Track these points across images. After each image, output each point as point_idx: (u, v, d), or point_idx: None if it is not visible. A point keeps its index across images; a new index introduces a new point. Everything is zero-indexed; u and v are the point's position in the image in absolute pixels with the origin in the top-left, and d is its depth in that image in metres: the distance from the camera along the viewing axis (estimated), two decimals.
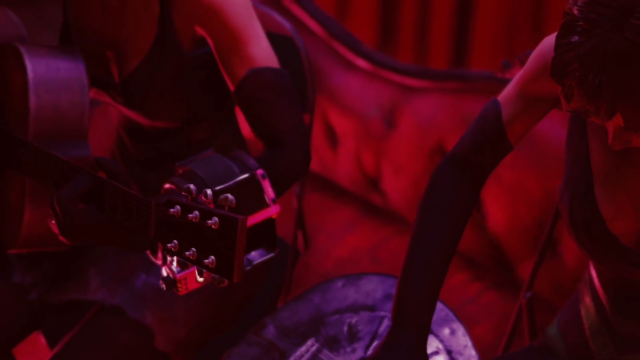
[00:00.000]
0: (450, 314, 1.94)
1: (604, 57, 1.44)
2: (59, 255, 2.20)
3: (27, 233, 1.98)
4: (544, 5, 3.42)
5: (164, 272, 1.68)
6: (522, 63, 2.45)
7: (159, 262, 1.70)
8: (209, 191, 1.56)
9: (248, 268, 1.64)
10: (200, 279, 1.62)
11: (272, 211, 1.70)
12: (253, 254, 1.66)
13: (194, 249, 1.56)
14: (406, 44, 3.71)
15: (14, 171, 2.02)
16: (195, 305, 2.16)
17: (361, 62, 2.98)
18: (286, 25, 2.34)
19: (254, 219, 1.67)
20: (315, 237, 2.95)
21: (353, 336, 1.95)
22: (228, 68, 1.98)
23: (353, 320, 1.98)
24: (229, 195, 1.54)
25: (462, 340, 1.90)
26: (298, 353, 1.95)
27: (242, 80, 1.97)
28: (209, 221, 1.53)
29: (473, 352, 1.88)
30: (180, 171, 1.74)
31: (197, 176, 1.70)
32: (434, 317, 1.94)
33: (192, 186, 1.58)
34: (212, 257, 1.54)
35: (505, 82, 2.07)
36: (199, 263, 1.56)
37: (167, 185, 1.72)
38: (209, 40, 1.99)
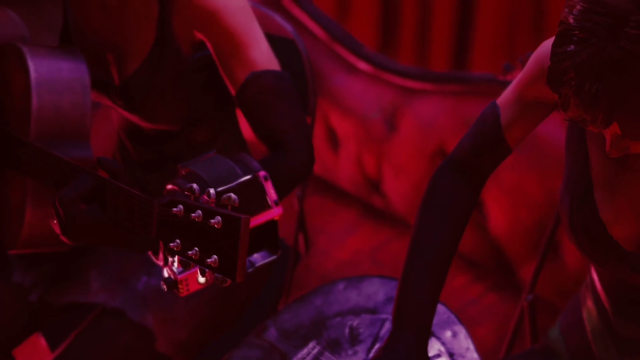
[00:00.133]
0: (452, 317, 1.94)
1: (600, 66, 1.44)
2: (59, 255, 2.20)
3: (28, 233, 1.98)
4: (544, 7, 3.42)
5: (165, 273, 1.68)
6: (524, 65, 2.45)
7: (160, 263, 1.69)
8: (212, 190, 1.56)
9: (250, 270, 1.63)
10: (202, 280, 1.62)
11: (275, 213, 1.69)
12: (255, 256, 1.66)
13: (196, 248, 1.56)
14: (407, 46, 3.71)
15: (15, 171, 2.02)
16: (196, 307, 2.16)
17: (362, 65, 2.98)
18: (287, 27, 2.34)
19: (256, 220, 1.67)
20: (316, 239, 2.95)
21: (354, 339, 1.95)
22: (229, 72, 1.98)
23: (354, 323, 1.98)
24: (232, 195, 1.54)
25: (464, 343, 1.90)
26: (299, 356, 1.95)
27: (243, 84, 1.96)
28: (212, 220, 1.53)
29: (475, 355, 1.88)
30: (183, 172, 1.74)
31: (199, 177, 1.69)
32: (436, 320, 1.94)
33: (194, 185, 1.58)
34: (215, 256, 1.54)
35: (506, 84, 2.07)
36: (201, 263, 1.56)
37: (169, 186, 1.72)
38: (209, 45, 1.99)
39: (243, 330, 2.25)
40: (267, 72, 1.97)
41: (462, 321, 1.95)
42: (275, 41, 2.23)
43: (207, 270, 1.56)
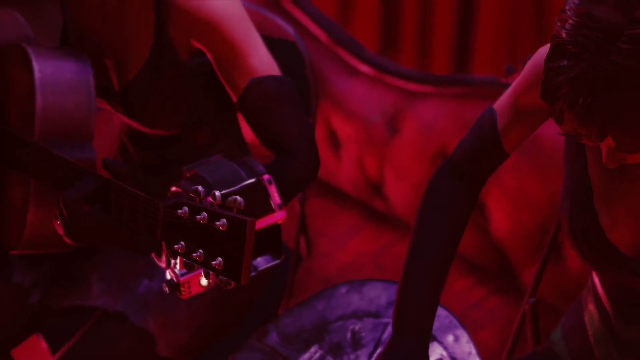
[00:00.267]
0: (454, 321, 1.94)
1: (593, 81, 1.43)
2: (59, 256, 2.20)
3: (31, 234, 1.98)
4: (545, 9, 3.41)
5: (168, 276, 1.68)
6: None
7: (163, 265, 1.69)
8: (217, 193, 1.55)
9: (253, 274, 1.63)
10: (204, 283, 1.62)
11: (278, 217, 1.69)
12: (259, 259, 1.66)
13: (201, 250, 1.56)
14: (408, 49, 3.71)
15: (17, 171, 2.02)
16: (197, 310, 2.16)
17: (364, 67, 2.98)
18: (289, 30, 2.34)
19: (260, 224, 1.66)
20: (317, 242, 2.95)
21: (356, 343, 1.95)
22: (229, 80, 1.98)
23: (357, 327, 1.98)
24: (238, 197, 1.53)
25: (466, 347, 1.90)
26: None
27: (244, 92, 1.96)
28: (217, 223, 1.53)
29: (477, 359, 1.88)
30: (187, 174, 1.74)
31: (203, 180, 1.69)
32: (438, 324, 1.94)
33: (200, 188, 1.57)
34: (220, 258, 1.54)
35: (508, 87, 2.07)
36: (206, 265, 1.56)
37: (173, 189, 1.72)
38: (208, 54, 1.98)
39: (244, 334, 2.25)
40: (267, 78, 1.96)
41: (464, 324, 1.94)
42: (277, 44, 2.23)
43: (211, 272, 1.55)
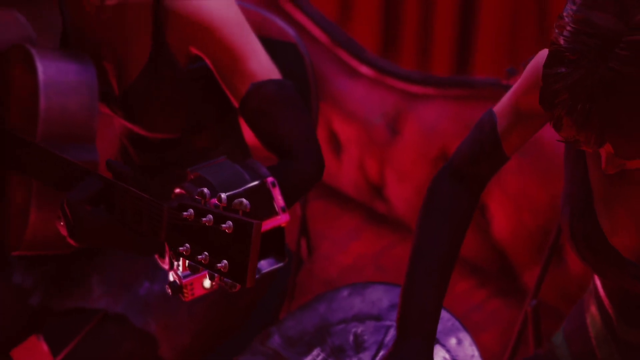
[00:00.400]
0: (457, 324, 1.93)
1: (591, 88, 1.43)
2: (59, 256, 2.20)
3: (32, 235, 1.98)
4: (547, 11, 3.41)
5: (171, 277, 1.68)
6: None
7: (166, 267, 1.69)
8: (223, 195, 1.55)
9: (257, 277, 1.63)
10: (207, 285, 1.61)
11: (282, 220, 1.69)
12: (262, 262, 1.65)
13: (206, 252, 1.56)
14: (408, 50, 3.70)
15: (19, 172, 2.02)
16: (199, 312, 2.16)
17: (365, 69, 2.98)
18: (290, 31, 2.33)
19: (264, 226, 1.66)
20: (319, 244, 2.95)
21: (359, 346, 1.95)
22: (230, 86, 1.97)
23: (359, 330, 1.97)
24: (244, 200, 1.53)
25: (469, 350, 1.89)
26: None
27: (245, 96, 1.95)
28: (223, 225, 1.52)
29: None
30: (192, 176, 1.73)
31: (207, 182, 1.69)
32: (440, 327, 1.93)
33: (205, 190, 1.57)
34: (225, 261, 1.53)
35: (509, 89, 2.07)
36: (211, 267, 1.55)
37: (177, 190, 1.72)
38: (207, 61, 1.98)
39: (246, 336, 2.25)
40: (267, 82, 1.96)
41: (466, 326, 1.94)
42: (278, 45, 2.23)
43: (216, 275, 1.55)
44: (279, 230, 1.68)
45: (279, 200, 1.69)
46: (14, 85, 2.05)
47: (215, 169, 1.72)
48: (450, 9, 3.58)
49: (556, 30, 1.47)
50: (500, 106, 1.81)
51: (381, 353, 1.93)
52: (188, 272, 1.63)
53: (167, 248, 1.65)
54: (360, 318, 1.99)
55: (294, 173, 1.92)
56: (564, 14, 1.47)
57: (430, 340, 1.77)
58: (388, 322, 1.97)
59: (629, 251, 1.69)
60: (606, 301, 1.83)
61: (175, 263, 1.64)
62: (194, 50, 1.98)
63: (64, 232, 1.80)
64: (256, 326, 2.28)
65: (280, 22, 2.36)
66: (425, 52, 3.66)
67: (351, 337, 1.97)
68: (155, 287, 2.14)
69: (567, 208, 1.72)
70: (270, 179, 1.70)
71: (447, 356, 1.90)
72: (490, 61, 3.52)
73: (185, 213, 1.58)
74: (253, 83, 1.95)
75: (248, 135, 2.18)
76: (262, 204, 1.67)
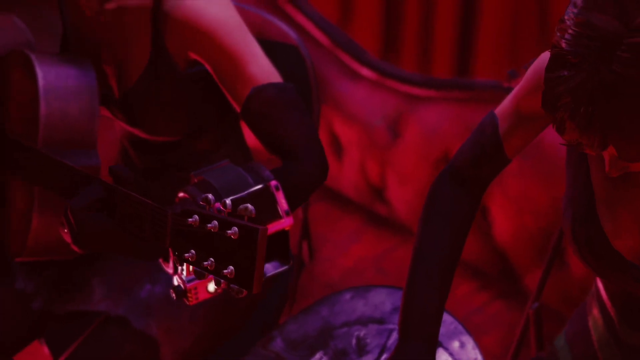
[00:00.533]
0: (460, 327, 1.93)
1: (593, 90, 1.43)
2: (62, 262, 2.20)
3: (35, 241, 1.97)
4: (547, 11, 3.41)
5: (175, 282, 1.67)
6: None
7: (170, 271, 1.69)
8: (228, 201, 1.55)
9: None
10: (211, 289, 1.61)
11: (286, 223, 1.69)
12: (266, 266, 1.65)
13: (212, 259, 1.55)
14: (409, 52, 3.70)
15: (21, 179, 2.01)
16: (200, 315, 2.16)
17: (366, 71, 2.97)
18: (291, 34, 2.33)
19: (268, 230, 1.66)
20: (320, 246, 2.95)
21: (361, 349, 1.95)
22: (230, 90, 1.97)
23: (361, 333, 1.97)
24: (249, 206, 1.53)
25: (472, 353, 1.89)
26: None
27: (246, 101, 1.95)
28: (229, 231, 1.52)
29: None
30: (195, 180, 1.73)
31: (210, 185, 1.69)
32: (443, 330, 1.93)
33: (210, 196, 1.57)
34: (231, 267, 1.53)
35: (510, 91, 2.07)
36: (217, 273, 1.55)
37: (181, 194, 1.72)
38: (207, 66, 1.97)
39: (247, 338, 2.25)
40: (268, 86, 1.95)
41: (468, 329, 1.94)
42: (279, 48, 2.22)
43: (222, 280, 1.55)
44: (283, 234, 1.68)
45: (282, 203, 1.69)
46: (13, 91, 2.04)
47: (218, 172, 1.72)
48: (451, 10, 3.58)
49: (558, 34, 1.47)
50: (502, 108, 1.81)
51: (384, 356, 1.93)
52: (192, 276, 1.63)
53: (171, 253, 1.65)
54: (363, 321, 1.99)
55: (297, 175, 1.92)
56: (565, 17, 1.47)
57: (432, 343, 1.77)
58: (391, 326, 1.97)
59: (632, 254, 1.69)
60: (608, 304, 1.83)
61: (179, 267, 1.64)
62: (193, 56, 1.98)
63: (67, 239, 1.80)
64: (257, 329, 2.28)
65: (281, 25, 2.36)
66: (426, 54, 3.66)
67: (354, 341, 1.96)
68: (156, 289, 2.14)
69: (569, 211, 1.72)
70: (273, 183, 1.70)
71: (450, 359, 1.90)
72: (491, 62, 3.52)
73: (190, 219, 1.57)
74: (254, 87, 1.95)
75: (249, 137, 2.18)
76: (265, 207, 1.67)
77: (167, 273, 2.10)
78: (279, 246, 1.67)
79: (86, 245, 1.78)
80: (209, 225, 1.54)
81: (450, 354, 1.90)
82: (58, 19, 2.12)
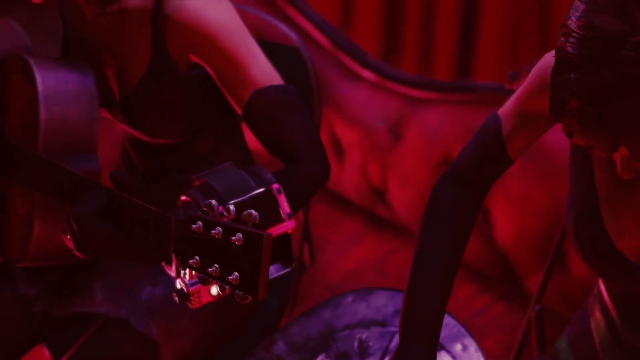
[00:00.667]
0: (462, 330, 1.93)
1: (601, 92, 1.43)
2: (63, 266, 2.20)
3: (36, 247, 1.97)
4: (549, 13, 3.41)
5: (178, 285, 1.67)
6: (529, 74, 2.45)
7: (173, 274, 1.68)
8: (232, 207, 1.55)
9: None
10: (214, 293, 1.61)
11: (288, 226, 1.69)
12: (269, 269, 1.65)
13: (216, 265, 1.55)
14: (410, 53, 3.70)
15: (22, 184, 2.01)
16: (201, 317, 2.16)
17: (367, 74, 2.97)
18: (292, 36, 2.33)
19: None
20: (321, 249, 2.95)
21: (364, 352, 1.94)
22: (232, 93, 1.97)
23: (364, 336, 1.97)
24: (253, 212, 1.52)
25: (474, 356, 1.89)
26: None
27: (248, 103, 1.95)
28: (233, 237, 1.52)
29: None
30: (197, 183, 1.73)
31: (212, 189, 1.69)
32: (446, 333, 1.93)
33: (213, 202, 1.56)
34: (236, 273, 1.53)
35: (512, 93, 2.07)
36: (222, 280, 1.55)
37: (183, 198, 1.71)
38: (208, 68, 1.97)
39: (247, 341, 2.25)
40: (270, 88, 1.95)
41: (471, 333, 1.94)
42: (280, 50, 2.22)
43: (227, 287, 1.55)
44: (285, 237, 1.67)
45: (284, 206, 1.69)
46: (13, 96, 2.04)
47: (220, 175, 1.72)
48: (452, 11, 3.58)
49: (562, 38, 1.47)
50: (505, 109, 1.80)
51: (386, 359, 1.93)
52: (195, 279, 1.63)
53: (174, 257, 1.65)
54: (365, 324, 1.99)
55: (299, 177, 1.91)
56: (568, 21, 1.47)
57: (433, 346, 1.77)
58: (393, 328, 1.97)
59: (635, 255, 1.68)
60: (610, 306, 1.83)
61: (182, 271, 1.64)
62: (194, 58, 1.97)
63: (70, 245, 1.79)
64: (258, 331, 2.28)
65: (282, 27, 2.36)
66: (427, 56, 3.66)
67: (356, 343, 1.96)
68: (157, 291, 2.14)
69: (573, 212, 1.71)
70: (275, 186, 1.70)
71: None
72: (492, 63, 3.52)
73: (194, 226, 1.57)
74: (255, 89, 1.95)
75: (250, 139, 2.18)
76: (268, 211, 1.67)
77: (168, 275, 2.10)
78: (281, 249, 1.67)
79: (89, 252, 1.78)
80: (212, 231, 1.54)
81: (453, 357, 1.90)
82: (57, 22, 2.12)
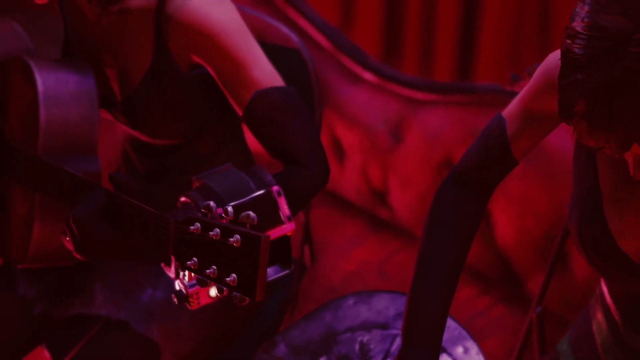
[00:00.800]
0: (464, 332, 1.93)
1: (609, 89, 1.43)
2: (63, 268, 2.20)
3: (36, 249, 1.97)
4: (550, 14, 3.42)
5: (177, 286, 1.67)
6: (531, 75, 2.45)
7: (172, 275, 1.69)
8: (230, 209, 1.55)
9: None
10: (213, 294, 1.61)
11: (287, 229, 1.69)
12: (268, 270, 1.65)
13: (214, 266, 1.55)
14: (411, 55, 3.71)
15: (22, 186, 2.01)
16: (201, 319, 2.16)
17: (368, 75, 2.97)
18: (293, 37, 2.33)
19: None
20: (322, 251, 2.95)
21: (365, 355, 1.94)
22: (233, 94, 1.97)
23: (365, 339, 1.97)
24: (251, 213, 1.53)
25: (476, 359, 1.89)
26: None
27: (249, 104, 1.95)
28: (231, 239, 1.52)
29: None
30: (197, 184, 1.73)
31: (212, 190, 1.69)
32: (447, 335, 1.93)
33: (212, 203, 1.57)
34: (234, 275, 1.53)
35: (513, 95, 2.07)
36: (219, 281, 1.55)
37: (182, 199, 1.72)
38: (209, 69, 1.97)
39: (248, 343, 2.25)
40: (271, 89, 1.95)
41: (473, 336, 1.94)
42: (281, 51, 2.22)
43: (225, 288, 1.55)
44: (284, 239, 1.68)
45: (284, 209, 1.69)
46: (13, 97, 2.04)
47: (220, 176, 1.72)
48: (452, 13, 3.58)
49: (567, 40, 1.47)
50: (509, 110, 1.80)
51: None
52: (194, 280, 1.63)
53: (173, 258, 1.65)
54: (367, 327, 1.98)
55: (299, 179, 1.92)
56: (572, 23, 1.47)
57: (436, 349, 1.77)
58: (394, 331, 1.97)
59: (639, 255, 1.68)
60: (612, 307, 1.83)
61: (181, 272, 1.64)
62: (196, 58, 1.97)
63: (70, 247, 1.80)
64: (258, 333, 2.28)
65: (283, 28, 2.36)
66: (428, 57, 3.66)
67: (357, 346, 1.96)
68: (157, 293, 2.14)
69: (576, 212, 1.71)
70: (275, 188, 1.70)
71: None
72: (492, 63, 3.52)
73: (192, 227, 1.57)
74: (257, 91, 1.95)
75: (251, 140, 2.18)
76: (267, 213, 1.67)
77: (168, 277, 2.10)
78: (280, 251, 1.67)
79: (89, 253, 1.78)
80: (210, 233, 1.54)
81: None
82: (58, 23, 2.12)
